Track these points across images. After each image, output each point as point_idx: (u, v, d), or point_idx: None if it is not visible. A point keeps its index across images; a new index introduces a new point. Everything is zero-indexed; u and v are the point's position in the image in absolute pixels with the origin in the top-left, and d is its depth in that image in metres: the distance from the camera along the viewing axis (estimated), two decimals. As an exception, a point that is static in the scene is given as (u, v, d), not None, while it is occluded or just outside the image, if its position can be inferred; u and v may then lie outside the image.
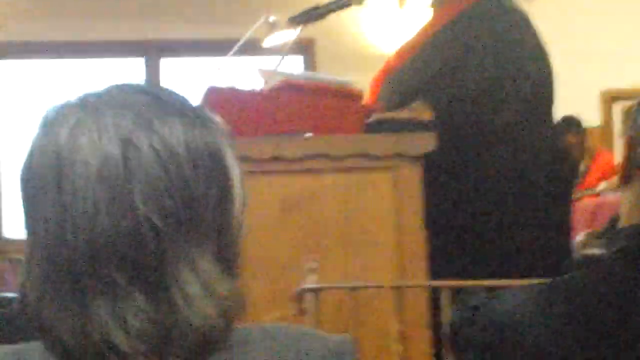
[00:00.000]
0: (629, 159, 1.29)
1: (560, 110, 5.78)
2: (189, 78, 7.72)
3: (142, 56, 7.93)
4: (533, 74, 2.96)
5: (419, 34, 3.19)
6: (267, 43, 3.91)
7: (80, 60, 7.87)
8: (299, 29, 3.30)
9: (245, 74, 3.28)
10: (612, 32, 7.06)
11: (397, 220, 2.70)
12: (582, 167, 6.66)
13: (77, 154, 0.99)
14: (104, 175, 0.98)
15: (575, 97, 6.63)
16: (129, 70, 7.83)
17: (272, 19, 3.67)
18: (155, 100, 1.04)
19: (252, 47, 3.69)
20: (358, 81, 3.21)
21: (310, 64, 7.90)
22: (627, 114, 1.25)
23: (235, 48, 3.53)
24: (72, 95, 1.07)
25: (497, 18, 3.03)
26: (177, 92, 1.09)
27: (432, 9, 3.25)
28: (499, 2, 3.13)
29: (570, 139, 6.43)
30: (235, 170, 1.07)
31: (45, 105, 1.08)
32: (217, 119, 1.09)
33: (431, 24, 3.18)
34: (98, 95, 1.05)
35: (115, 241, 0.98)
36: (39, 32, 7.66)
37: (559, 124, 5.95)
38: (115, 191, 0.98)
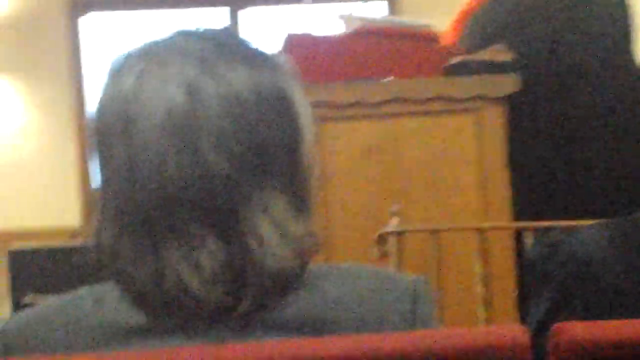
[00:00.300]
0: None
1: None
2: (272, 27, 7.72)
3: (227, 5, 7.95)
4: (614, 13, 2.90)
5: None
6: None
7: (165, 11, 7.92)
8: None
9: (326, 21, 3.28)
10: None
11: (480, 162, 2.68)
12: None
13: (143, 104, 1.00)
14: (170, 124, 0.99)
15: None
16: (215, 21, 7.85)
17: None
18: (219, 46, 1.04)
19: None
20: (442, 24, 3.18)
21: (394, 9, 7.84)
22: None
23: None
24: (137, 44, 1.08)
25: None
26: (243, 37, 1.09)
27: None
28: None
29: None
30: (305, 113, 1.06)
31: (112, 56, 1.09)
32: (286, 62, 1.09)
33: None
34: (162, 44, 1.06)
35: (185, 189, 0.99)
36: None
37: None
38: (183, 140, 0.99)
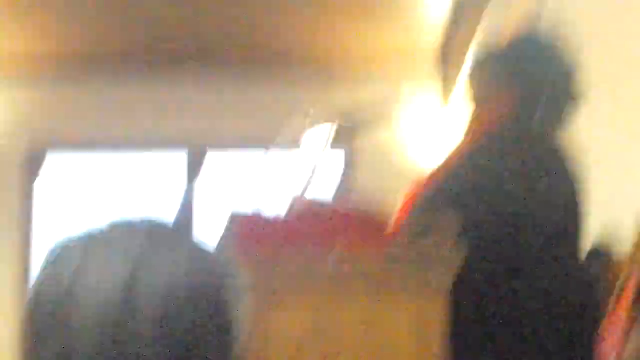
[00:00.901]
0: None
1: (595, 232, 5.74)
2: (231, 172, 7.78)
3: (185, 150, 8.01)
4: (566, 197, 2.95)
5: (452, 155, 3.18)
6: (305, 138, 3.94)
7: (126, 154, 7.96)
8: (335, 126, 3.34)
9: (284, 169, 3.31)
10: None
11: (419, 355, 2.68)
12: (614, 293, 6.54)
13: (82, 296, 1.02)
14: (109, 317, 1.01)
15: (611, 219, 6.56)
16: (172, 165, 7.91)
17: (310, 113, 3.70)
18: (157, 241, 1.07)
19: (292, 142, 3.73)
20: (398, 181, 3.20)
21: (351, 159, 7.92)
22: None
23: (275, 143, 3.58)
24: (77, 231, 1.11)
25: (535, 137, 3.02)
26: (180, 228, 1.12)
27: (471, 104, 3.19)
28: (538, 115, 3.12)
29: (600, 271, 6.30)
30: (234, 306, 1.09)
31: (52, 240, 1.12)
32: (223, 260, 1.12)
33: (462, 145, 3.17)
34: (101, 237, 1.08)
35: None
36: (81, 128, 7.80)
37: (587, 255, 5.89)
38: (120, 332, 0.99)
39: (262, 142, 4.02)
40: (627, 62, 7.09)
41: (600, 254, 6.53)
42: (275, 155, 3.71)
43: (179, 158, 7.97)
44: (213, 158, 8.05)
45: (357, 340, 2.70)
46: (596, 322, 3.07)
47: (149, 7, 7.22)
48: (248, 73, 8.07)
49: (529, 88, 3.08)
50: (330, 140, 3.42)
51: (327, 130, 3.61)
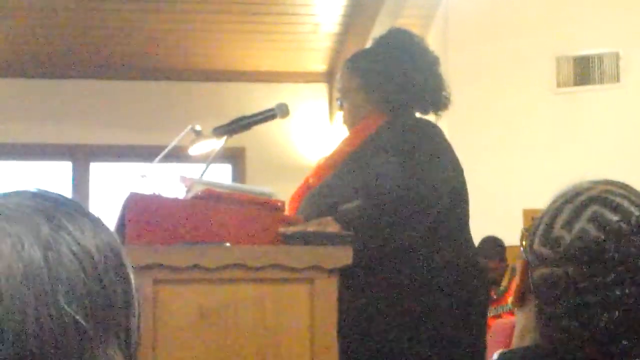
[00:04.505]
0: (523, 282, 1.33)
1: (482, 228, 5.92)
2: (117, 183, 7.71)
3: (70, 160, 7.91)
4: (447, 189, 3.02)
5: (336, 153, 3.25)
6: (192, 151, 3.95)
7: (8, 162, 7.82)
8: (224, 138, 3.35)
9: (171, 181, 3.31)
10: (535, 149, 7.24)
11: (312, 333, 2.71)
12: (503, 286, 6.74)
13: (0, 260, 1.01)
14: (29, 278, 1.00)
15: (498, 215, 6.77)
16: (57, 174, 7.80)
17: (198, 127, 3.72)
18: (63, 205, 1.08)
19: (178, 155, 3.73)
20: (286, 191, 3.25)
21: (239, 173, 7.96)
22: (522, 238, 1.30)
23: (161, 155, 3.57)
24: None
25: (412, 133, 3.08)
26: (75, 199, 1.13)
27: (347, 127, 3.32)
28: (412, 118, 3.21)
29: (489, 263, 6.49)
30: (132, 271, 1.10)
31: None
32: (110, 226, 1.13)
33: (347, 143, 3.24)
34: (5, 201, 1.08)
35: (42, 343, 1.00)
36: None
37: (478, 246, 6.05)
38: (41, 293, 1.00)
39: (150, 154, 3.99)
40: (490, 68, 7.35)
41: (490, 243, 6.73)
42: (162, 168, 3.70)
43: (64, 168, 7.87)
44: (98, 169, 7.98)
45: (249, 323, 2.72)
46: (485, 307, 3.16)
47: (41, 16, 7.15)
48: (137, 86, 8.05)
49: (394, 107, 3.19)
50: (217, 155, 3.44)
51: (214, 144, 3.63)
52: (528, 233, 1.36)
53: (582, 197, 1.36)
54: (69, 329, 1.01)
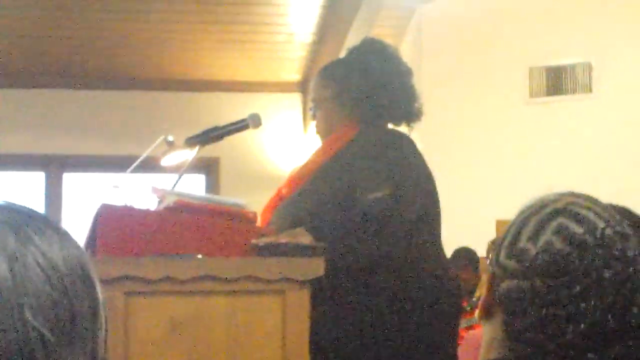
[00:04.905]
0: (490, 294, 1.34)
1: (455, 239, 5.93)
2: (91, 193, 7.69)
3: (43, 170, 7.88)
4: (419, 200, 3.03)
5: (309, 163, 3.26)
6: (165, 162, 3.94)
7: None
8: (196, 149, 3.35)
9: (143, 192, 3.30)
10: (508, 160, 7.27)
11: (284, 345, 2.71)
12: (475, 297, 6.75)
13: None
14: None
15: (471, 226, 6.78)
16: (30, 184, 7.77)
17: (170, 138, 3.71)
18: (29, 218, 1.08)
19: (151, 165, 3.73)
20: (260, 202, 3.25)
21: (213, 183, 7.96)
22: (488, 251, 1.30)
23: (133, 166, 3.56)
24: None
25: (384, 144, 3.10)
26: (40, 211, 1.13)
27: (320, 137, 3.33)
28: (384, 129, 3.23)
29: (462, 274, 6.51)
30: (99, 284, 1.11)
31: None
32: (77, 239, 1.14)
33: (320, 154, 3.25)
34: None
35: (8, 355, 1.00)
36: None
37: (451, 257, 6.06)
38: (6, 306, 1.00)
39: (123, 164, 3.98)
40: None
41: (464, 254, 6.75)
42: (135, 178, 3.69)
43: (37, 178, 7.85)
44: (71, 179, 7.96)
45: (220, 335, 2.72)
46: (457, 318, 3.17)
47: (14, 27, 7.14)
48: (110, 96, 8.03)
49: (366, 118, 3.21)
50: (190, 165, 3.44)
51: (187, 155, 3.62)
52: (494, 245, 1.37)
53: (548, 209, 1.37)
54: (34, 341, 1.01)
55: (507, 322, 1.33)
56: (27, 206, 1.13)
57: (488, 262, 1.37)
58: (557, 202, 1.39)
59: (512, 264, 1.34)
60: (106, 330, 1.12)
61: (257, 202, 3.15)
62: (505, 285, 1.34)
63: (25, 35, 7.29)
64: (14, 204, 1.11)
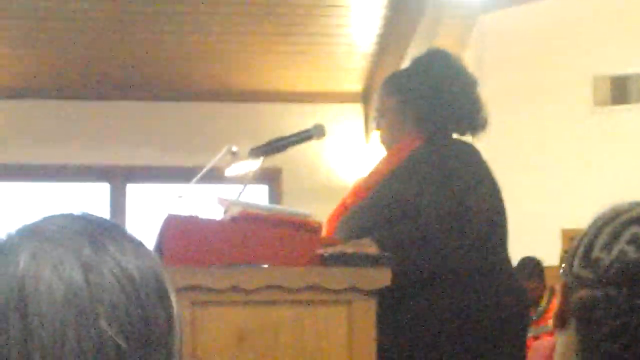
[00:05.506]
0: (564, 304, 1.33)
1: (521, 248, 5.89)
2: (154, 204, 7.75)
3: (107, 181, 7.97)
4: (486, 211, 3.01)
5: (373, 173, 3.25)
6: (229, 172, 3.97)
7: (45, 184, 7.89)
8: (260, 159, 3.36)
9: (208, 202, 3.32)
10: (573, 169, 7.21)
11: (351, 355, 2.71)
12: (542, 306, 6.70)
13: (41, 281, 1.03)
14: (69, 299, 1.02)
15: (536, 235, 6.74)
16: (94, 196, 7.86)
17: (234, 148, 3.73)
18: (104, 228, 1.09)
19: (215, 176, 3.75)
20: (323, 212, 3.26)
21: (275, 194, 7.98)
22: (562, 259, 1.29)
23: (198, 177, 3.58)
24: (18, 223, 1.11)
25: (450, 155, 3.09)
26: (115, 221, 1.15)
27: (384, 147, 3.33)
28: (450, 139, 3.22)
29: (528, 284, 6.47)
30: (173, 294, 1.11)
31: None
32: (153, 250, 1.15)
33: (385, 163, 3.24)
34: (49, 223, 1.10)
35: None
36: (1, 155, 7.71)
37: (517, 267, 6.02)
38: (82, 314, 1.02)
39: (187, 175, 4.01)
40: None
41: (529, 263, 6.71)
42: (199, 189, 3.72)
43: (101, 189, 7.94)
44: (135, 190, 8.04)
45: (287, 345, 2.73)
46: (525, 329, 3.15)
47: (76, 38, 7.23)
48: (174, 108, 8.10)
49: (431, 128, 3.20)
50: (254, 176, 3.45)
51: (250, 166, 3.64)
52: (567, 254, 1.36)
53: (621, 219, 1.36)
54: (108, 350, 1.03)
55: (582, 332, 1.31)
56: (102, 217, 1.15)
57: (561, 271, 1.36)
58: (631, 211, 1.38)
59: (585, 273, 1.33)
60: (181, 342, 1.13)
61: (319, 213, 3.15)
62: (579, 294, 1.32)
63: (88, 48, 7.38)
64: (89, 214, 1.13)
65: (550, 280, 6.73)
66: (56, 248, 1.05)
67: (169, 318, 1.09)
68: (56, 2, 6.77)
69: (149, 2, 6.84)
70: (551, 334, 6.33)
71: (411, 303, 2.96)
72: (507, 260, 3.14)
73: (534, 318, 6.51)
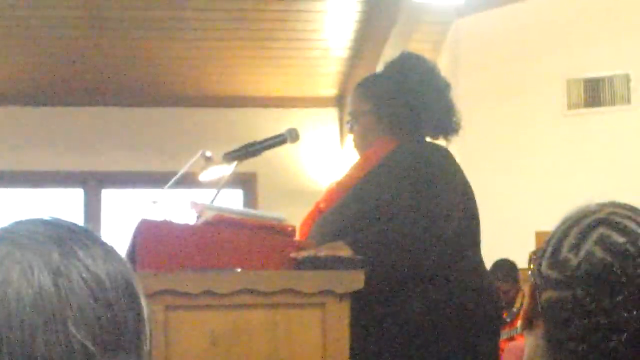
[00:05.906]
0: (532, 305, 1.34)
1: (495, 250, 5.91)
2: (129, 209, 7.73)
3: (81, 187, 7.94)
4: (458, 213, 3.03)
5: (346, 177, 3.26)
6: (203, 177, 3.97)
7: (20, 190, 7.85)
8: (234, 164, 3.36)
9: (182, 207, 3.32)
10: (547, 172, 7.24)
11: (324, 358, 2.71)
12: (516, 307, 6.73)
13: (9, 286, 1.03)
14: (38, 304, 1.02)
15: (511, 237, 6.76)
16: (68, 201, 7.83)
17: (208, 153, 3.74)
18: (73, 232, 1.09)
19: (190, 181, 3.75)
20: (298, 216, 3.26)
21: (250, 198, 7.98)
22: (530, 261, 1.30)
23: (172, 182, 3.58)
24: None
25: (423, 158, 3.10)
26: (85, 226, 1.14)
27: (357, 151, 3.34)
28: (423, 143, 3.22)
29: (502, 285, 6.50)
30: (144, 299, 1.12)
31: None
32: (122, 254, 1.15)
33: (358, 167, 3.25)
34: (18, 228, 1.10)
35: None
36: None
37: (491, 268, 6.04)
38: (51, 319, 1.02)
39: (161, 180, 4.00)
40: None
41: (503, 265, 6.74)
42: (173, 194, 3.71)
43: (76, 195, 7.90)
44: (110, 195, 8.01)
45: (261, 349, 2.72)
46: (498, 330, 3.16)
47: (52, 45, 7.20)
48: (147, 113, 8.08)
49: (405, 131, 3.21)
50: (228, 180, 3.45)
51: (224, 170, 3.64)
52: (536, 256, 1.37)
53: (589, 220, 1.36)
54: (78, 354, 1.03)
55: (550, 333, 1.32)
56: (72, 221, 1.14)
57: (529, 272, 1.37)
58: (598, 212, 1.39)
59: (553, 274, 1.34)
60: (151, 344, 1.13)
61: (294, 217, 3.15)
62: (547, 295, 1.33)
63: (64, 53, 7.36)
64: (58, 219, 1.13)
65: (525, 282, 6.75)
66: (25, 253, 1.05)
67: (139, 322, 1.09)
68: (29, 10, 6.75)
69: (122, 8, 6.83)
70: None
71: (384, 305, 2.96)
72: (481, 262, 3.15)
73: (508, 320, 6.54)
